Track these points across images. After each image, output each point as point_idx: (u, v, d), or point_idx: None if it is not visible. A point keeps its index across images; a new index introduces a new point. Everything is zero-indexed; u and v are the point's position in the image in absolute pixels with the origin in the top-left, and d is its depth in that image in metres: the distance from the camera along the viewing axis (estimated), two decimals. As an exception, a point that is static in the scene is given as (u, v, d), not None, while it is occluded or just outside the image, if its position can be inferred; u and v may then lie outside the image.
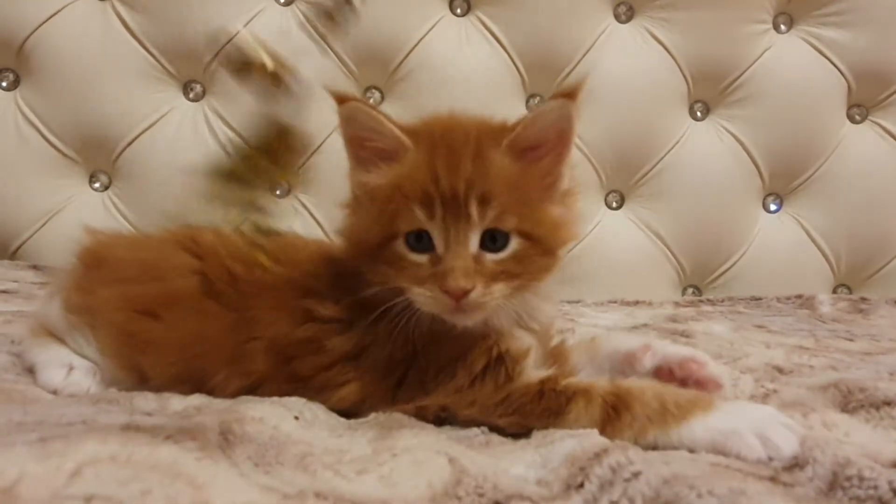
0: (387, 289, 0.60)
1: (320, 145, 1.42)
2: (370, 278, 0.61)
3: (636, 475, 0.39)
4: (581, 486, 0.40)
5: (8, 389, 0.60)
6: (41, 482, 0.31)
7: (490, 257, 0.59)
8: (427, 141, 0.60)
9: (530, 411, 0.57)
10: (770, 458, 0.48)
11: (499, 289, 0.58)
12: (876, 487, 0.40)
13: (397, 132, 0.60)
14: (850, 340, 1.06)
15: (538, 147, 0.61)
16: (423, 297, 0.58)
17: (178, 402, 0.60)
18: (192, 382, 0.63)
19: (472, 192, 0.57)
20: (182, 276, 0.67)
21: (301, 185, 1.55)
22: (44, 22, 1.51)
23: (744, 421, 0.51)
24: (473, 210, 0.57)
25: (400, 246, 0.59)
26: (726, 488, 0.36)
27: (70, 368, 0.66)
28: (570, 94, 0.59)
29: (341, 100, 0.60)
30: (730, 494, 0.34)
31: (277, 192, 1.43)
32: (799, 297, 1.49)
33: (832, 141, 1.67)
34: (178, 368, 0.64)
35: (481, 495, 0.40)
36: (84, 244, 0.74)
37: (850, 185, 1.67)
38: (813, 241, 1.68)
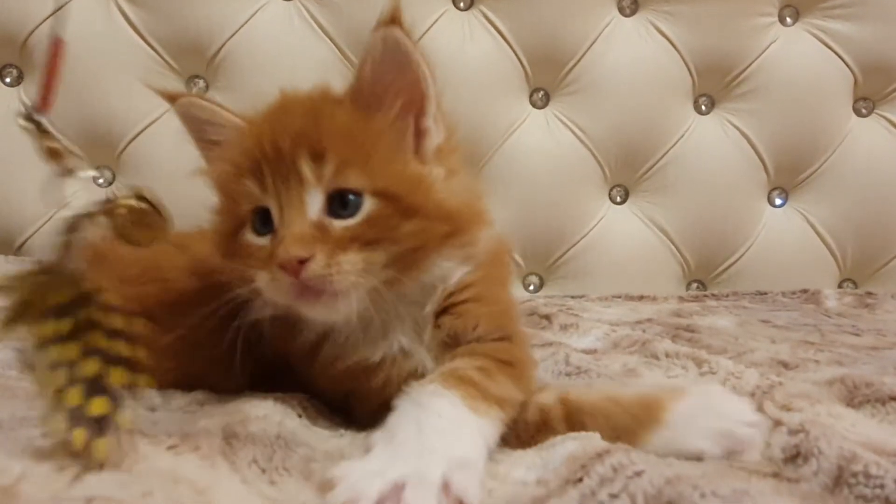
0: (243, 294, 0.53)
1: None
2: (232, 283, 0.54)
3: (638, 474, 0.38)
4: (580, 480, 0.40)
5: (11, 386, 0.60)
6: (42, 483, 0.31)
7: (338, 224, 0.50)
8: (260, 116, 0.55)
9: None
10: (729, 454, 0.47)
11: (349, 259, 0.49)
12: (882, 486, 0.39)
13: (232, 118, 0.56)
14: (856, 335, 1.06)
15: (383, 95, 0.53)
16: (267, 284, 0.50)
17: (181, 398, 0.61)
18: (191, 387, 0.63)
19: (301, 148, 0.50)
20: (177, 278, 0.65)
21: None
22: (47, 17, 1.50)
23: (692, 428, 0.49)
24: (305, 168, 0.50)
25: (247, 233, 0.53)
26: (730, 488, 0.36)
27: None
28: (392, 20, 0.50)
29: (171, 98, 0.58)
30: (733, 494, 0.34)
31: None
32: (804, 291, 1.48)
33: (838, 135, 1.66)
34: (175, 375, 0.63)
35: None
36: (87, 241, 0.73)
37: (855, 180, 1.66)
38: (818, 235, 1.67)
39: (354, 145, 0.51)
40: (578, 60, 1.61)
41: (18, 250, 1.50)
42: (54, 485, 0.31)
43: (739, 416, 0.50)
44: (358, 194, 0.50)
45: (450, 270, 0.57)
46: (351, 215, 0.50)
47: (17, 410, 0.50)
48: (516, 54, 1.61)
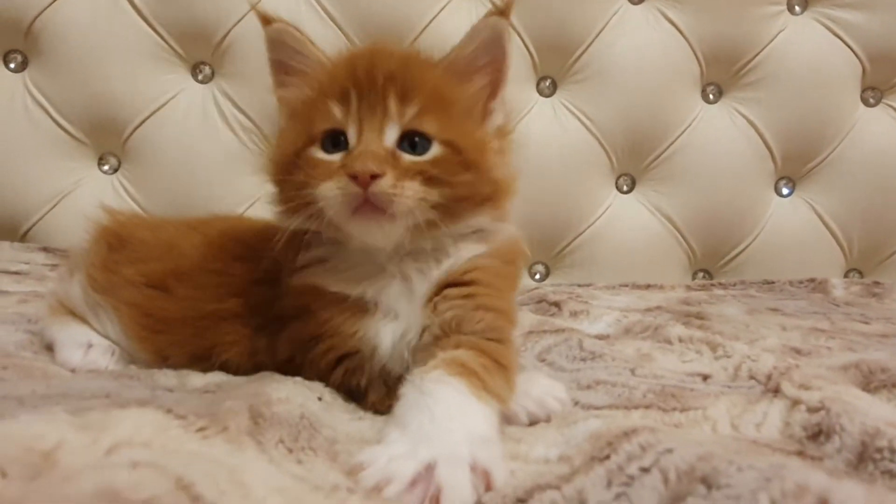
0: (297, 212, 0.56)
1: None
2: (285, 202, 0.58)
3: (669, 451, 0.38)
4: (607, 458, 0.40)
5: (27, 366, 0.60)
6: (79, 451, 0.31)
7: (407, 157, 0.55)
8: (353, 54, 0.60)
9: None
10: (532, 421, 0.52)
11: (412, 187, 0.53)
12: (908, 461, 0.39)
13: (319, 52, 0.60)
14: (866, 323, 1.06)
15: (474, 71, 0.60)
16: (330, 193, 0.53)
17: (197, 379, 0.61)
18: (206, 361, 0.63)
19: (392, 85, 0.55)
20: (194, 254, 0.67)
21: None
22: (52, 2, 1.49)
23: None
24: (391, 103, 0.55)
25: (315, 150, 0.56)
26: (767, 462, 0.36)
27: (89, 346, 0.66)
28: (502, 12, 0.58)
29: (267, 21, 0.59)
30: (771, 468, 0.34)
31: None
32: (812, 280, 1.48)
33: (846, 124, 1.65)
34: (191, 347, 0.64)
35: (504, 496, 0.39)
36: (105, 224, 0.74)
37: (863, 169, 1.65)
38: (825, 225, 1.67)
39: (437, 98, 0.56)
40: (586, 49, 1.61)
41: (24, 237, 1.50)
42: (91, 455, 0.31)
43: (552, 392, 0.55)
44: (429, 139, 0.56)
45: (465, 245, 0.60)
46: (419, 154, 0.55)
47: (37, 388, 0.49)
48: (524, 42, 1.60)
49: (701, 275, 1.69)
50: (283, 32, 0.60)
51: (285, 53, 0.60)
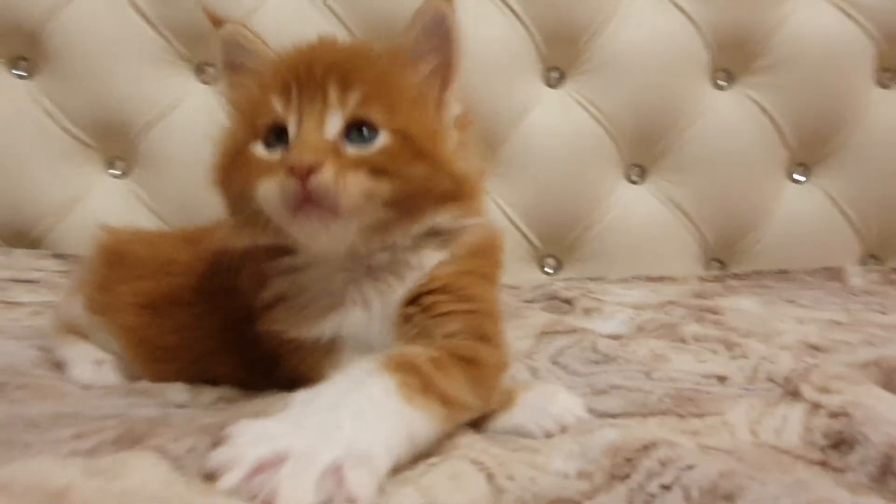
0: (245, 224, 0.53)
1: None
2: (231, 212, 0.55)
3: (690, 467, 0.37)
4: (627, 476, 0.39)
5: (41, 385, 0.60)
6: (90, 495, 0.31)
7: (351, 148, 0.51)
8: (297, 48, 0.57)
9: None
10: (548, 436, 0.51)
11: (357, 181, 0.49)
12: (934, 477, 0.38)
13: (269, 51, 0.58)
14: (884, 314, 1.04)
15: (420, 57, 0.56)
16: (269, 191, 0.50)
17: (208, 394, 0.61)
18: (208, 385, 0.63)
19: (332, 74, 0.52)
20: (186, 273, 0.65)
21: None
22: (57, 8, 1.49)
23: (527, 412, 0.53)
24: (332, 92, 0.52)
25: (256, 146, 0.53)
26: (792, 478, 0.35)
27: (99, 364, 0.66)
28: None
29: (217, 22, 0.58)
30: (796, 483, 0.33)
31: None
32: (828, 269, 1.46)
33: (860, 107, 1.62)
34: (190, 375, 0.63)
35: (524, 501, 0.39)
36: (104, 241, 0.73)
37: (878, 153, 1.62)
38: (840, 210, 1.64)
39: (382, 85, 0.53)
40: (593, 38, 1.58)
41: (36, 243, 1.50)
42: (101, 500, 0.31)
43: (571, 410, 0.54)
44: (375, 129, 0.52)
45: (427, 253, 0.57)
46: (364, 142, 0.52)
47: (49, 408, 0.50)
48: (530, 33, 1.58)
49: (715, 264, 1.67)
50: (236, 33, 0.58)
51: (238, 54, 0.58)
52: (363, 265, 0.55)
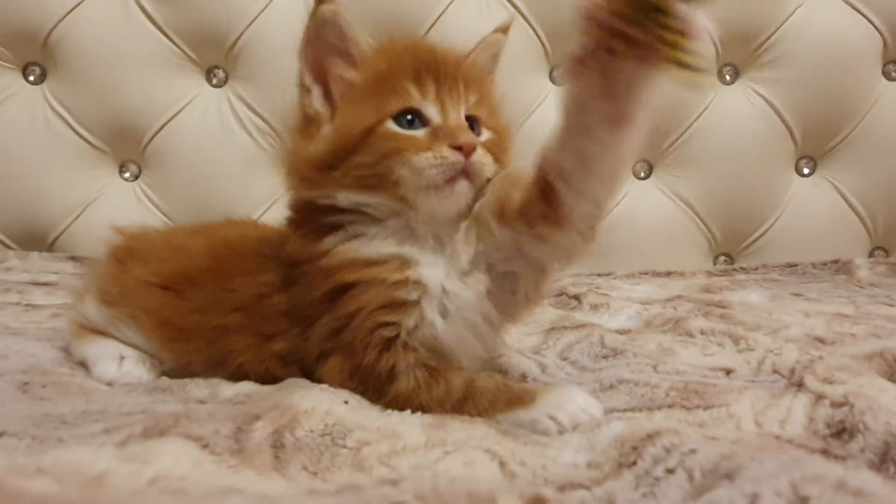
0: (361, 188, 0.59)
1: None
2: (346, 181, 0.59)
3: (693, 451, 0.39)
4: (634, 464, 0.41)
5: (65, 382, 0.62)
6: (125, 479, 0.33)
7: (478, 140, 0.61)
8: (395, 44, 0.64)
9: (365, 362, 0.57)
10: (560, 432, 0.52)
11: (489, 162, 0.60)
12: (932, 465, 0.39)
13: (365, 38, 0.62)
14: (891, 306, 1.05)
15: (486, 69, 0.67)
16: (426, 161, 0.57)
17: (228, 389, 0.62)
18: (223, 366, 0.65)
19: (461, 73, 0.61)
20: (200, 257, 0.69)
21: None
22: (67, 14, 1.51)
23: (545, 409, 0.55)
24: (461, 88, 0.61)
25: (390, 126, 0.59)
26: (789, 456, 0.36)
27: (122, 359, 0.68)
28: (504, 30, 0.68)
29: (320, 1, 0.60)
30: (791, 461, 0.34)
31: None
32: (835, 262, 1.47)
33: (867, 100, 1.62)
34: (208, 354, 0.66)
35: (536, 478, 0.40)
36: (113, 241, 0.77)
37: (886, 145, 1.63)
38: (848, 203, 1.65)
39: (485, 90, 0.64)
40: (598, 35, 1.59)
41: (51, 246, 1.53)
42: (135, 484, 0.33)
43: (589, 410, 0.56)
44: (480, 126, 0.63)
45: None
46: (477, 134, 0.62)
47: (76, 405, 0.51)
48: (534, 30, 1.59)
49: (722, 259, 1.68)
50: (338, 14, 0.60)
51: (331, 35, 0.61)
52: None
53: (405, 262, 0.59)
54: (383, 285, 0.58)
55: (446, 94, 0.60)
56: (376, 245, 0.60)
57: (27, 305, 0.98)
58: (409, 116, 0.59)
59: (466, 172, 0.58)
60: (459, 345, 0.61)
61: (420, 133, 0.59)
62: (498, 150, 0.62)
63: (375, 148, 0.58)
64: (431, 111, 0.60)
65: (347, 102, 0.61)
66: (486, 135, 0.63)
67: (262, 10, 1.54)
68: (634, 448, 0.42)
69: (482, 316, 0.61)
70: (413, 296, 0.58)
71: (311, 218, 0.62)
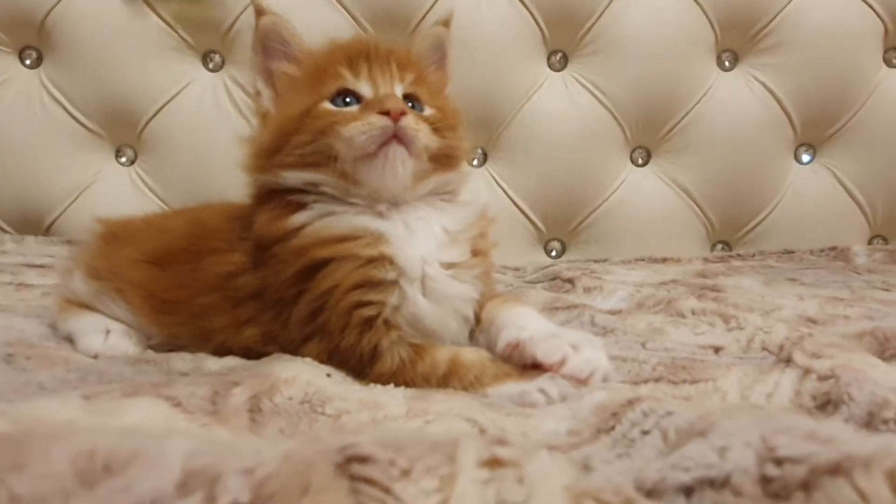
0: (304, 165, 0.61)
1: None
2: (290, 158, 0.62)
3: (669, 413, 0.39)
4: (612, 429, 0.40)
5: (50, 355, 0.62)
6: (90, 428, 0.33)
7: (412, 111, 0.63)
8: (341, 40, 0.68)
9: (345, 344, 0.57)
10: (549, 403, 0.52)
11: (426, 129, 0.62)
12: (915, 433, 0.39)
13: (304, 41, 0.68)
14: (887, 290, 1.04)
15: (427, 63, 0.72)
16: (359, 130, 0.59)
17: (212, 363, 0.62)
18: (208, 342, 0.65)
19: (393, 56, 0.65)
20: (181, 234, 0.70)
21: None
22: (63, -2, 1.51)
23: (535, 381, 0.54)
24: (395, 69, 0.65)
25: (325, 105, 0.62)
26: (763, 413, 0.36)
27: (107, 332, 0.68)
28: (445, 23, 0.73)
29: (261, 12, 0.67)
30: (764, 415, 0.34)
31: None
32: (833, 249, 1.46)
33: (868, 86, 1.61)
34: (192, 328, 0.66)
35: (519, 443, 0.40)
36: (98, 228, 0.79)
37: (886, 132, 1.62)
38: (847, 191, 1.64)
39: (423, 73, 0.68)
40: (597, 20, 1.58)
41: (47, 230, 1.53)
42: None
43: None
44: (422, 104, 0.66)
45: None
46: (416, 110, 0.65)
47: (56, 374, 0.51)
48: (532, 15, 1.58)
49: (720, 246, 1.67)
50: (278, 23, 0.67)
51: (275, 41, 0.67)
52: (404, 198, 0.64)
53: (377, 238, 0.59)
54: (357, 261, 0.58)
55: (378, 72, 0.64)
56: (346, 220, 0.61)
57: (19, 285, 0.98)
58: (345, 98, 0.63)
59: (398, 137, 0.59)
60: (442, 325, 0.61)
61: (355, 108, 0.62)
62: (441, 125, 0.64)
63: (312, 126, 0.61)
64: (364, 89, 0.63)
65: (288, 91, 0.66)
66: (428, 111, 0.65)
67: (259, -5, 1.53)
68: (614, 414, 0.41)
69: (463, 301, 0.62)
70: (390, 275, 0.58)
71: (273, 198, 0.64)
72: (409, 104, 0.64)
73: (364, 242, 0.59)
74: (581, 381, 0.54)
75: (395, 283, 0.58)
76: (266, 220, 0.63)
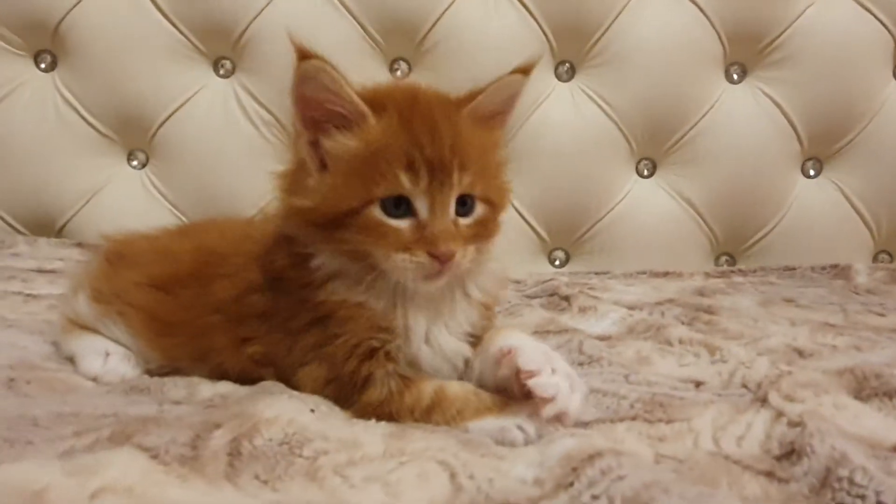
0: (339, 252, 0.60)
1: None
2: (325, 246, 0.61)
3: (621, 478, 0.40)
4: (571, 485, 0.42)
5: (51, 378, 0.65)
6: (66, 494, 0.35)
7: (462, 221, 0.61)
8: (392, 108, 0.60)
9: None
10: (527, 442, 0.54)
11: (470, 253, 0.61)
12: (863, 497, 0.40)
13: (356, 99, 0.59)
14: (882, 315, 1.04)
15: (492, 118, 0.64)
16: (404, 262, 0.58)
17: (206, 389, 0.64)
18: (205, 363, 0.68)
19: (455, 158, 0.59)
20: (186, 260, 0.72)
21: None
22: (78, 2, 1.53)
23: (513, 418, 0.56)
24: (455, 175, 0.59)
25: (376, 212, 0.58)
26: (696, 492, 0.38)
27: (107, 355, 0.71)
28: (525, 71, 0.64)
29: (304, 56, 0.57)
30: (698, 496, 0.36)
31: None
32: (834, 266, 1.46)
33: (876, 101, 1.60)
34: (191, 349, 0.68)
35: (482, 494, 0.42)
36: (102, 245, 0.81)
37: (893, 148, 1.60)
38: (853, 206, 1.63)
39: (482, 158, 0.62)
40: (605, 30, 1.58)
41: (59, 232, 1.57)
42: (77, 497, 0.35)
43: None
44: (474, 199, 0.62)
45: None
46: (466, 214, 0.62)
47: (53, 406, 0.54)
48: (541, 26, 1.59)
49: (724, 259, 1.68)
50: (319, 70, 0.58)
51: (315, 90, 0.59)
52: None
53: (395, 311, 0.62)
54: (372, 321, 0.61)
55: (437, 187, 0.58)
56: (366, 292, 0.61)
57: (28, 295, 1.01)
58: (397, 203, 0.59)
59: (443, 274, 0.59)
60: (435, 370, 0.64)
61: (404, 225, 0.59)
62: (486, 225, 0.63)
63: (358, 230, 0.59)
64: (420, 204, 0.59)
65: (338, 171, 0.60)
66: (478, 210, 0.62)
67: (269, 2, 1.54)
68: (574, 469, 0.43)
69: (459, 356, 0.65)
70: (401, 328, 0.61)
71: (299, 242, 0.63)
72: (464, 201, 0.61)
73: (381, 314, 0.61)
74: (546, 400, 0.55)
75: (405, 332, 0.62)
76: (289, 259, 0.63)
